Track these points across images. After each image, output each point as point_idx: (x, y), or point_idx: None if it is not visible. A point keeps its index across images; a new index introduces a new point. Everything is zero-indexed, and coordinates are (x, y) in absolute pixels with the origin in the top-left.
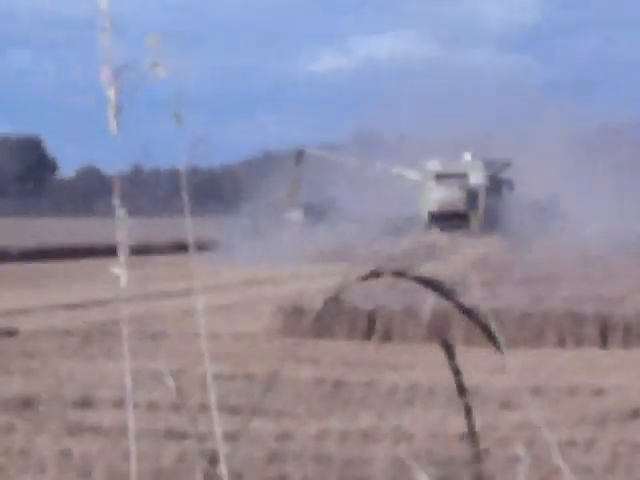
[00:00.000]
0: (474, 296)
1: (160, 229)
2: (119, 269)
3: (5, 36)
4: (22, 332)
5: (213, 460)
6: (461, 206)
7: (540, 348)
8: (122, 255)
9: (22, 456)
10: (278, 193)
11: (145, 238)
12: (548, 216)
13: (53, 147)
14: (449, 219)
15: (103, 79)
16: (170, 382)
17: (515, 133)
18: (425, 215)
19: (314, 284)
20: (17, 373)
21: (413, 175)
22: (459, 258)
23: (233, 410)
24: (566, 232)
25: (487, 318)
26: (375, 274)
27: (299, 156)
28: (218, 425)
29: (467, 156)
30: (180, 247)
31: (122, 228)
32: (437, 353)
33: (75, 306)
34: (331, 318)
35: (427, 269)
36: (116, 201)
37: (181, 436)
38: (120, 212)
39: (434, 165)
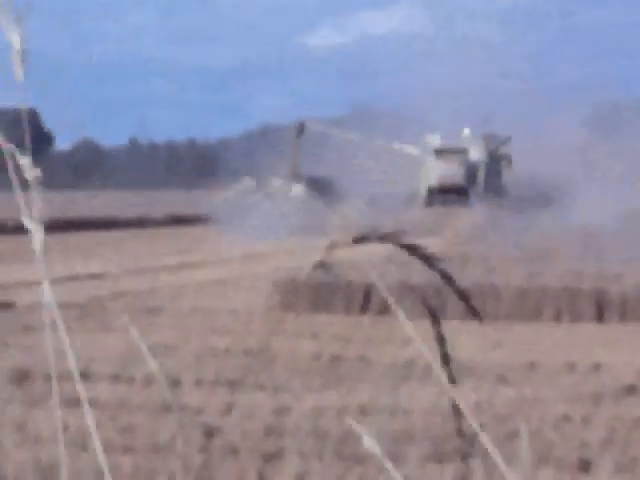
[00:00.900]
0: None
1: (157, 202)
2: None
3: None
4: (19, 306)
5: (209, 433)
6: (461, 181)
7: (537, 324)
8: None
9: (19, 430)
10: (278, 166)
11: (142, 211)
12: (548, 192)
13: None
14: (449, 194)
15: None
16: (154, 364)
17: (516, 108)
18: (424, 190)
19: (312, 259)
20: (14, 347)
21: (413, 150)
22: (452, 232)
23: (230, 384)
24: (565, 208)
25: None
26: (361, 239)
27: (300, 128)
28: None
29: (466, 131)
30: (177, 220)
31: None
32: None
33: (73, 279)
34: (324, 286)
35: (422, 242)
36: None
37: (180, 410)
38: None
39: (434, 140)
